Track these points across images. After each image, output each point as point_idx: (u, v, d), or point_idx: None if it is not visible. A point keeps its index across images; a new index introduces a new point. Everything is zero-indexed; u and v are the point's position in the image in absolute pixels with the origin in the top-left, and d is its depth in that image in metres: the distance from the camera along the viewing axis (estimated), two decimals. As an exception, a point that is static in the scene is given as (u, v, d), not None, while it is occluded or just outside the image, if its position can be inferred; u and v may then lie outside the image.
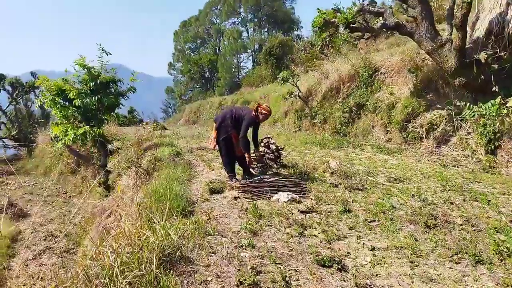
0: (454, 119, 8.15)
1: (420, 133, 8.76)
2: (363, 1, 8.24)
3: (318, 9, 21.70)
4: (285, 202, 4.63)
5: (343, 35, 7.84)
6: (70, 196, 14.49)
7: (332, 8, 8.79)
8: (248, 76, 35.14)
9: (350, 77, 12.21)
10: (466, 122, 7.99)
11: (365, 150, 8.75)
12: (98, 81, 8.57)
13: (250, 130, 5.82)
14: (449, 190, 5.32)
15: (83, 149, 13.91)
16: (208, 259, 3.13)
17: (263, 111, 5.58)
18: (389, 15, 8.05)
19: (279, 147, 6.61)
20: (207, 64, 44.74)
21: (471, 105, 7.42)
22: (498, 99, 6.94)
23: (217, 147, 5.87)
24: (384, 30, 7.92)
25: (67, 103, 8.75)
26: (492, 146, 7.08)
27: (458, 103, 8.42)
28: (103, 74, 8.92)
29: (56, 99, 8.59)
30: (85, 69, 8.65)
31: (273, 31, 42.11)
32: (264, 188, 4.99)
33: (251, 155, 5.81)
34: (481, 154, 7.09)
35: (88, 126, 8.52)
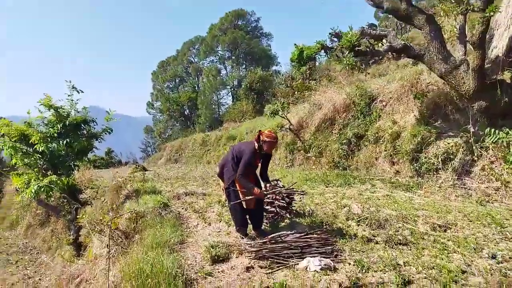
0: (474, 147, 7.29)
1: (435, 164, 7.84)
2: (363, 26, 7.51)
3: (295, 44, 21.38)
4: (317, 271, 3.44)
5: (347, 59, 6.98)
6: (38, 253, 12.76)
7: (318, 42, 8.05)
8: (229, 112, 34.51)
9: (345, 107, 11.42)
10: (487, 150, 7.14)
11: (377, 187, 7.72)
12: (67, 123, 7.33)
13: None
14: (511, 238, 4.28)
15: (52, 199, 12.34)
16: None
17: (267, 138, 4.56)
18: (393, 37, 7.34)
19: (291, 191, 5.49)
20: (186, 102, 44.18)
21: (495, 130, 6.57)
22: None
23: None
24: (390, 53, 7.09)
25: (30, 150, 7.44)
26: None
27: (472, 129, 7.64)
28: (74, 114, 7.71)
29: (17, 145, 7.27)
30: (52, 110, 7.43)
31: (251, 67, 42.18)
32: (284, 251, 3.80)
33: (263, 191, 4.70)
34: (517, 186, 6.16)
35: (55, 175, 7.18)
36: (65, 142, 7.23)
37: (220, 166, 4.94)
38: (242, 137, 19.41)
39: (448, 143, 7.98)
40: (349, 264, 3.62)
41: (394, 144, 9.20)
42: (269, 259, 3.68)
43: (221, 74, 44.83)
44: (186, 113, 46.44)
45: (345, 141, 10.81)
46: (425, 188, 7.21)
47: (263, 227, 4.83)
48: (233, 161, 4.65)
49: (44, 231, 13.39)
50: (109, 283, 3.61)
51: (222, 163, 4.89)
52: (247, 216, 4.88)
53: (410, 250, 3.96)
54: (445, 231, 4.49)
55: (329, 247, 3.91)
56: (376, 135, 9.91)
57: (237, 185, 4.61)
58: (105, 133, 8.08)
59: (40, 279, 9.56)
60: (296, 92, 16.63)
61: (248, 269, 3.55)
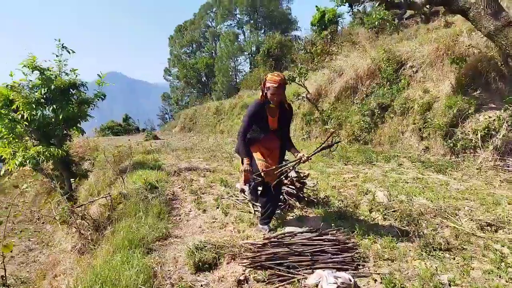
0: (522, 122, 6.16)
1: (473, 141, 6.76)
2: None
3: (316, 6, 19.77)
4: (332, 291, 2.59)
5: (378, 13, 5.83)
6: (43, 222, 12.56)
7: None
8: (246, 79, 33.33)
9: (369, 74, 10.23)
10: (540, 126, 6.02)
11: (404, 166, 6.74)
12: (52, 87, 6.52)
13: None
14: None
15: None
16: None
17: (269, 82, 3.50)
18: (431, -13, 6.08)
19: (302, 174, 4.58)
20: (203, 69, 43.14)
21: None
22: None
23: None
24: (428, 6, 5.89)
25: (19, 117, 6.75)
26: None
27: (520, 101, 6.52)
28: (62, 77, 6.89)
29: (2, 112, 6.57)
30: (37, 72, 6.63)
31: (270, 32, 40.34)
32: (289, 259, 2.92)
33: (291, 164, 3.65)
34: None
35: (41, 146, 6.50)
36: (51, 108, 6.49)
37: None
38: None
39: (490, 117, 6.86)
40: (375, 280, 2.72)
41: (424, 117, 8.09)
42: (269, 269, 2.84)
43: (239, 40, 43.27)
44: (203, 80, 45.58)
45: (367, 112, 9.72)
46: (462, 170, 6.18)
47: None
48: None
49: (51, 201, 13.10)
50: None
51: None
52: (262, 198, 4.01)
53: (454, 259, 3.04)
54: (496, 231, 3.55)
55: (349, 255, 3.00)
56: (404, 106, 8.79)
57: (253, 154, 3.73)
58: (98, 99, 7.29)
59: (40, 252, 9.23)
60: (316, 58, 15.39)
61: (239, 283, 2.71)
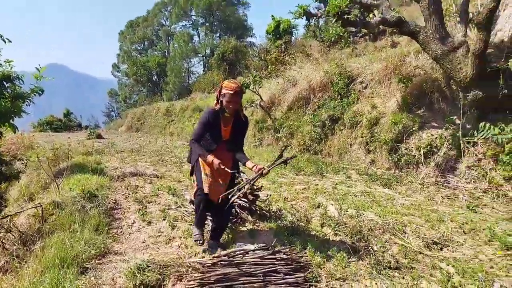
0: (461, 141, 6.58)
1: (416, 157, 7.11)
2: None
3: (272, 16, 20.05)
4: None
5: (334, 28, 5.94)
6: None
7: (299, 6, 6.92)
8: (199, 81, 32.88)
9: (322, 86, 10.46)
10: (475, 146, 6.46)
11: (353, 179, 6.91)
12: (-19, 80, 5.78)
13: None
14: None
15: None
16: None
17: (225, 89, 3.32)
18: (386, 9, 6.33)
19: (255, 187, 4.45)
20: (155, 67, 41.86)
21: (489, 125, 5.82)
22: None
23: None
24: (381, 27, 6.11)
25: None
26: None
27: (459, 121, 6.97)
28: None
29: None
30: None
31: (226, 36, 40.22)
32: (241, 279, 2.78)
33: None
34: (509, 190, 5.49)
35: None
36: (-20, 102, 5.75)
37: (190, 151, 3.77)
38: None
39: (432, 135, 7.25)
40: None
41: (371, 131, 8.40)
42: None
43: (193, 41, 42.65)
44: (154, 79, 44.23)
45: (319, 123, 9.92)
46: (405, 185, 6.46)
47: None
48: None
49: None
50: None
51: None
52: (210, 214, 3.82)
53: (404, 278, 3.08)
54: (441, 249, 3.69)
55: (301, 274, 2.92)
56: (353, 119, 9.07)
57: (200, 162, 3.50)
58: (35, 94, 6.62)
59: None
60: (270, 66, 15.53)
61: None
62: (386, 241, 3.79)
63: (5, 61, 6.32)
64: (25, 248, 3.32)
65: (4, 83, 6.32)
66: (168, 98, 35.46)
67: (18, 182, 7.45)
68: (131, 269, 2.85)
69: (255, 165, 3.32)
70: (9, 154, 8.67)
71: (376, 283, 2.95)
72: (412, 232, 4.05)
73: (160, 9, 47.91)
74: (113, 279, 2.87)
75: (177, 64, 39.86)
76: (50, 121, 32.23)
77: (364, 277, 3.05)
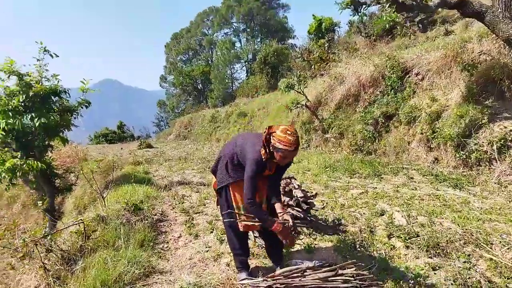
0: (542, 133, 5.70)
1: (489, 153, 6.28)
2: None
3: (313, 15, 19.57)
4: None
5: (388, 15, 5.39)
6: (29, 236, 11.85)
7: None
8: (242, 86, 33.00)
9: (372, 81, 9.78)
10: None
11: (416, 180, 6.23)
12: (31, 93, 5.92)
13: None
14: None
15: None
16: None
17: (280, 145, 2.69)
18: (445, -12, 5.64)
19: (309, 194, 4.02)
20: (199, 76, 42.79)
21: None
22: None
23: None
24: (440, 10, 5.45)
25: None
26: None
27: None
28: (43, 83, 6.28)
29: (-22, 120, 5.97)
30: (14, 77, 6.03)
31: (267, 40, 40.18)
32: None
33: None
34: None
35: (18, 158, 5.87)
36: (29, 116, 5.89)
37: (216, 160, 3.26)
38: (254, 114, 17.96)
39: (505, 127, 6.39)
40: None
41: (432, 126, 7.61)
42: None
43: (235, 47, 43.09)
44: (199, 87, 45.25)
45: (371, 121, 9.25)
46: (479, 185, 5.68)
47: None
48: (230, 159, 3.03)
49: (37, 211, 12.43)
50: None
51: (219, 157, 3.24)
52: (258, 235, 3.42)
53: (499, 303, 2.53)
54: (540, 266, 3.04)
55: None
56: (410, 114, 8.32)
57: (231, 191, 3.02)
58: (82, 107, 6.70)
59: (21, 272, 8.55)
60: (313, 66, 15.01)
61: None
62: (470, 255, 3.19)
63: (52, 76, 6.47)
64: (67, 268, 3.16)
65: (52, 97, 6.45)
66: (213, 105, 35.97)
67: (71, 194, 7.63)
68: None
69: (283, 211, 2.88)
70: (64, 167, 8.97)
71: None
72: (500, 243, 3.40)
73: (202, 19, 49.08)
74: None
75: (220, 71, 40.40)
76: (105, 133, 34.06)
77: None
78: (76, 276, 2.99)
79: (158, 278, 2.97)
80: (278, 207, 2.93)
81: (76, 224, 3.46)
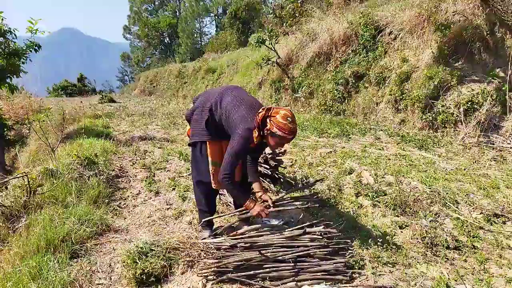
0: (506, 97, 5.80)
1: (455, 116, 6.34)
2: None
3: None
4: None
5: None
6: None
7: None
8: (211, 42, 31.79)
9: (345, 39, 9.51)
10: (524, 101, 5.67)
11: (383, 140, 6.23)
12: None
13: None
14: None
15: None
16: None
17: (280, 131, 2.46)
18: None
19: (278, 151, 3.84)
20: (166, 29, 40.66)
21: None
22: None
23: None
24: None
25: None
26: None
27: (503, 74, 6.17)
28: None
29: None
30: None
31: (239, -7, 38.41)
32: (265, 268, 2.25)
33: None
34: None
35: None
36: (-32, 60, 5.19)
37: (191, 109, 2.94)
38: (223, 70, 17.37)
39: (473, 90, 6.44)
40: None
41: (401, 87, 7.59)
42: (239, 283, 2.14)
43: (205, -1, 40.92)
44: (166, 40, 43.21)
45: (341, 80, 9.10)
46: (444, 146, 5.76)
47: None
48: (210, 113, 2.70)
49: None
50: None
51: (195, 107, 2.90)
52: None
53: (466, 260, 2.51)
54: (504, 223, 3.08)
55: (341, 260, 2.35)
56: (380, 75, 8.23)
57: (208, 147, 2.78)
58: (30, 50, 6.00)
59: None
60: (286, 23, 14.48)
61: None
62: (437, 214, 3.19)
63: (-4, 16, 5.69)
64: (8, 226, 2.86)
65: (-4, 39, 5.73)
66: (181, 60, 34.62)
67: (24, 149, 7.09)
68: (130, 254, 2.34)
69: (262, 191, 2.75)
70: (17, 118, 8.26)
71: (434, 270, 2.38)
72: (466, 202, 3.43)
73: (169, -34, 45.91)
74: (110, 265, 2.40)
75: (188, 24, 38.63)
76: (64, 86, 32.12)
77: (418, 260, 2.48)
78: (18, 234, 2.71)
79: (113, 237, 2.76)
80: (256, 186, 2.80)
81: (18, 177, 3.11)
